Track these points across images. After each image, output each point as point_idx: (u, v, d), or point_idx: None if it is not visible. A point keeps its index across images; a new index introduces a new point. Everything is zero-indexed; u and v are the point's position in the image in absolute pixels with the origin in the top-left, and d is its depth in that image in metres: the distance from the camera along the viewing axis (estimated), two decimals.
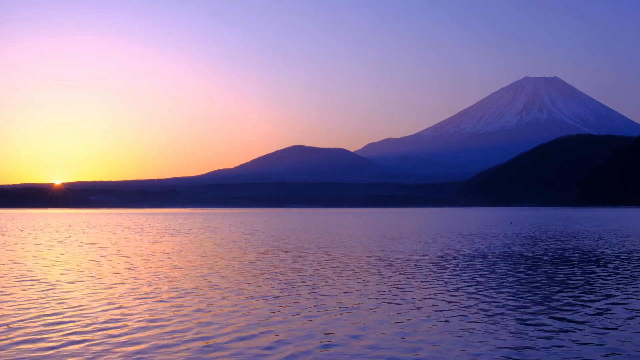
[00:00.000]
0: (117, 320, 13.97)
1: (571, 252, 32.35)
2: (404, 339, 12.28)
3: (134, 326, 13.35)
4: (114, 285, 19.72)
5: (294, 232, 57.59)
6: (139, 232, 57.66)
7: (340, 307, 15.55)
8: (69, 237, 48.26)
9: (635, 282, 20.23)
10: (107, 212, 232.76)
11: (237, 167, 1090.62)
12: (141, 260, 28.44)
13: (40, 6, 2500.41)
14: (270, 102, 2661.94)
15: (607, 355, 11.18)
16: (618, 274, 22.68)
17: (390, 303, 16.16)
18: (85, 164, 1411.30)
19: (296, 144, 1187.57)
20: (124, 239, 45.73)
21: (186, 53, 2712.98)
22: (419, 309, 15.36)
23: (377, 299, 16.89)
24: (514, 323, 13.68)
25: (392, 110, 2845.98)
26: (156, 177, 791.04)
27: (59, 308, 15.46)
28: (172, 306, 15.87)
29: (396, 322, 13.74)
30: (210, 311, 15.05)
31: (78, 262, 27.74)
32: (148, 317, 14.30)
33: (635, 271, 23.48)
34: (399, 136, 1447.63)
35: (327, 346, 11.71)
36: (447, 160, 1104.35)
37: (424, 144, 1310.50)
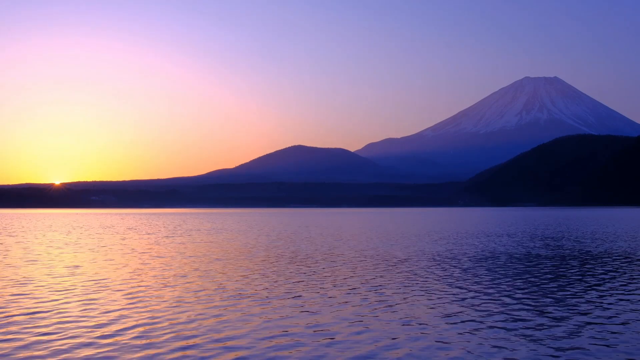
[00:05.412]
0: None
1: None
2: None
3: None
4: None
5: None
6: (116, 232, 57.46)
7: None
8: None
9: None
10: (107, 212, 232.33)
11: (237, 167, 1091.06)
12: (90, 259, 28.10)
13: (40, 6, 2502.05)
14: (270, 102, 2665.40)
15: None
16: (614, 274, 22.37)
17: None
18: (85, 164, 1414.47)
19: (296, 144, 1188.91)
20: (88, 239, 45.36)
21: (186, 53, 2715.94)
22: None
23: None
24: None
25: (392, 110, 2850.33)
26: (156, 177, 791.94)
27: None
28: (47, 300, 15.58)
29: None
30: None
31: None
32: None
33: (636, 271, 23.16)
34: (399, 136, 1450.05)
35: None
36: (447, 160, 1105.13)
37: (424, 144, 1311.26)
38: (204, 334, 12.77)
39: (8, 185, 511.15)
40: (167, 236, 50.71)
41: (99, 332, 12.89)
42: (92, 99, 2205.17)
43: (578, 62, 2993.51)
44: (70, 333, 12.84)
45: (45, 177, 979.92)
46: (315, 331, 13.02)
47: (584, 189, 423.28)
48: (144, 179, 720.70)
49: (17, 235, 51.91)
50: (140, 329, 13.25)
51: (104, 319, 14.29)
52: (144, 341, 12.14)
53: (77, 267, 25.65)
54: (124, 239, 45.91)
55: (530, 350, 11.53)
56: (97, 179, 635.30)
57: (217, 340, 12.20)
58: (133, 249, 36.21)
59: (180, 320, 14.06)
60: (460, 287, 19.24)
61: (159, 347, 11.68)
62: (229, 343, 12.01)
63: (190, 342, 12.08)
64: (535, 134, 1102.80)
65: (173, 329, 13.18)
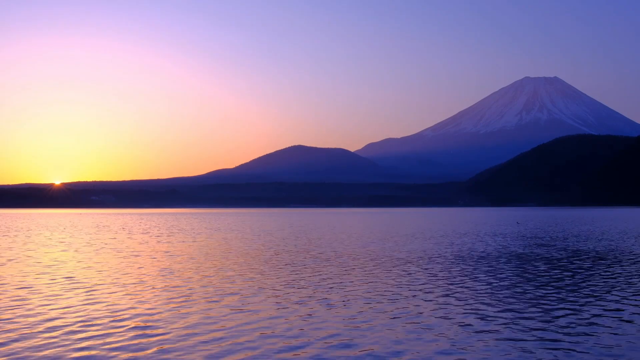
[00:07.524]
0: None
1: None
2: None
3: None
4: None
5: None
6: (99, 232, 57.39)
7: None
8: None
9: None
10: (106, 212, 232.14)
11: (237, 167, 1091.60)
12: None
13: (41, 6, 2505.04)
14: (270, 102, 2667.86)
15: None
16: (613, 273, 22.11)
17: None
18: (85, 164, 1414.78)
19: (296, 144, 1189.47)
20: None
21: (186, 53, 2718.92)
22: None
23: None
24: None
25: (392, 110, 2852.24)
26: (156, 177, 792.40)
27: None
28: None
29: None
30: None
31: None
32: None
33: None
34: (399, 136, 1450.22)
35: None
36: (447, 160, 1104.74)
37: (424, 144, 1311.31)
38: (151, 334, 12.62)
39: (8, 185, 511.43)
40: (158, 236, 50.50)
41: (59, 331, 12.74)
42: (92, 99, 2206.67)
43: (578, 62, 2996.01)
44: (21, 332, 12.64)
45: (45, 177, 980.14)
46: (262, 334, 12.66)
47: (584, 189, 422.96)
48: (144, 179, 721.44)
49: (8, 235, 51.66)
50: (98, 327, 13.06)
51: (64, 317, 14.13)
52: (83, 344, 11.95)
53: (53, 265, 25.48)
54: (114, 239, 45.66)
55: (478, 350, 11.33)
56: (97, 179, 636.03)
57: (160, 342, 12.00)
58: (117, 248, 35.94)
59: (129, 318, 13.89)
60: (433, 286, 19.10)
61: (94, 349, 11.44)
62: (161, 342, 11.81)
63: (135, 341, 11.93)
64: (535, 134, 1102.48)
65: (117, 327, 13.03)
